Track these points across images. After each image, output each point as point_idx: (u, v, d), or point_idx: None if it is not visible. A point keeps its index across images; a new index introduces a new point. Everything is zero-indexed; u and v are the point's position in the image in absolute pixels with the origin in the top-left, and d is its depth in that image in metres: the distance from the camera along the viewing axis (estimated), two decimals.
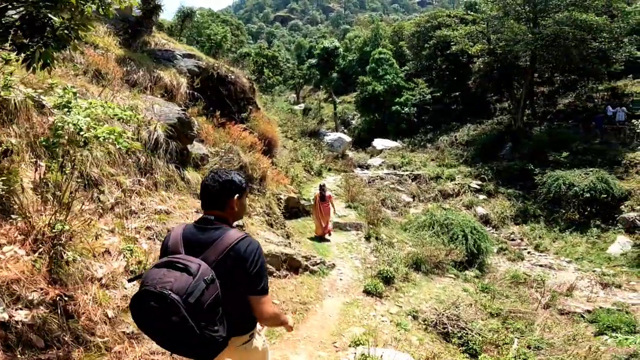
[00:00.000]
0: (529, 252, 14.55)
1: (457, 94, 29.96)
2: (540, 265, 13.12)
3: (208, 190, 1.91)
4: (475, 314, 6.38)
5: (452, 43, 26.27)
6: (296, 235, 9.21)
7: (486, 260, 11.91)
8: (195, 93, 8.72)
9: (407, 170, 21.09)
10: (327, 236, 10.04)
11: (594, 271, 12.19)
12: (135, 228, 3.94)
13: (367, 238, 10.04)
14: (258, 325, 2.08)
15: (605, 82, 24.33)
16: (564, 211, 15.57)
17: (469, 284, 9.22)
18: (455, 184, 19.26)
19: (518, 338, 5.93)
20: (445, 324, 5.82)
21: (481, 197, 18.18)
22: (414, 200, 18.17)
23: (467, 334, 5.67)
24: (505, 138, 22.56)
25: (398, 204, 17.31)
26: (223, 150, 7.66)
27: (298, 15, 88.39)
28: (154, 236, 4.05)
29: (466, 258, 10.97)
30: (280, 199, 9.64)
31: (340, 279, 7.22)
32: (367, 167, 22.71)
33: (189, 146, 6.16)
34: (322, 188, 10.41)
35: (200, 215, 1.96)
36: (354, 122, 32.41)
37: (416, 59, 32.19)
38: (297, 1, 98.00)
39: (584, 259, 13.25)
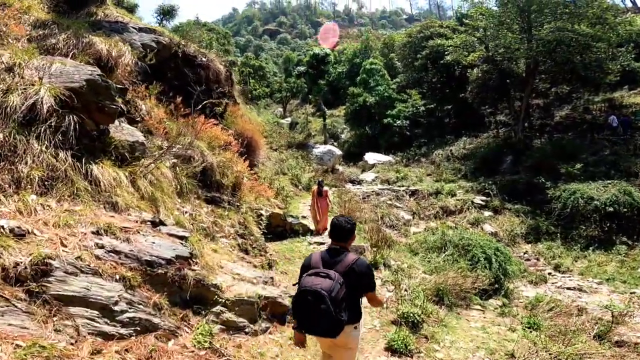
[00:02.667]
0: (549, 274, 12.67)
1: (450, 106, 28.51)
2: (569, 288, 11.28)
3: (341, 229, 3.05)
4: None
5: (446, 53, 24.92)
6: (281, 263, 6.92)
7: (509, 286, 9.82)
8: (149, 72, 6.52)
9: (403, 186, 19.13)
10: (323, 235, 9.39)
11: (632, 293, 10.39)
12: None
13: (374, 265, 7.79)
14: (361, 321, 3.07)
15: (601, 93, 23.33)
16: (584, 227, 13.71)
17: (507, 318, 7.08)
18: (457, 199, 17.33)
19: None
20: None
21: (487, 213, 16.25)
22: (413, 218, 16.08)
23: None
24: (505, 151, 20.93)
25: (397, 222, 15.23)
26: (180, 146, 5.37)
27: (287, 29, 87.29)
28: None
29: (490, 285, 8.90)
30: (261, 215, 7.38)
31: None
32: (360, 182, 20.65)
33: (111, 128, 3.93)
34: (320, 183, 10.52)
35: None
36: (343, 135, 30.52)
37: (407, 70, 30.79)
38: (287, 15, 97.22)
39: (615, 279, 11.46)
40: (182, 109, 7.07)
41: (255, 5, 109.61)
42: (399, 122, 26.16)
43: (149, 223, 3.68)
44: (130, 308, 2.87)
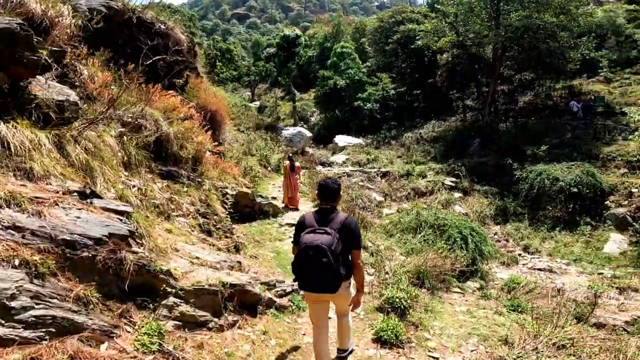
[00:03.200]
0: (519, 255, 12.65)
1: (419, 91, 28.37)
2: (539, 269, 11.28)
3: (330, 189, 3.16)
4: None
5: (417, 38, 24.64)
6: (250, 246, 6.16)
7: (484, 267, 9.61)
8: (99, 38, 5.47)
9: (374, 168, 18.69)
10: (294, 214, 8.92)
11: (600, 274, 10.52)
12: None
13: None
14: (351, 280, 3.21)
15: (562, 81, 23.95)
16: (550, 208, 13.83)
17: (490, 301, 6.79)
18: (428, 181, 17.13)
19: None
20: None
21: (457, 195, 16.15)
22: (385, 200, 15.69)
23: None
24: (473, 134, 20.99)
25: (369, 204, 14.75)
26: (131, 114, 4.45)
27: (256, 13, 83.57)
28: None
29: (467, 267, 8.61)
30: (227, 194, 6.54)
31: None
32: (330, 165, 20.03)
33: (36, 86, 3.04)
34: (291, 159, 10.29)
35: None
36: (313, 119, 29.68)
37: (378, 55, 30.26)
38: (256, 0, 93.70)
39: (582, 260, 11.60)
40: (136, 79, 6.07)
41: None
42: (369, 105, 25.66)
43: (75, 194, 2.81)
44: (37, 304, 2.07)
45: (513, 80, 26.63)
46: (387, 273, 5.73)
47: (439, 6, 23.58)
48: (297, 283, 3.03)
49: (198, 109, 7.54)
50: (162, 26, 7.50)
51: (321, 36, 36.40)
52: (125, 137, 4.55)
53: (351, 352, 3.63)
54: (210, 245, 4.30)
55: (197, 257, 3.55)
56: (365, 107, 25.54)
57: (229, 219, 6.03)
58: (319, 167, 18.77)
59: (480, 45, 21.51)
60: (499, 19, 20.16)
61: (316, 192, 3.29)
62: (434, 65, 26.42)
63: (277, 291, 4.52)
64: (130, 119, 4.73)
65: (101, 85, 4.91)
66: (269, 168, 14.56)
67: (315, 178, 14.84)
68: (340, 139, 22.95)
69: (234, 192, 6.94)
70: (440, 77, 24.13)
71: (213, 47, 29.14)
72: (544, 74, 23.55)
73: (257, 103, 35.23)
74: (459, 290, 7.33)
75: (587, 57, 21.36)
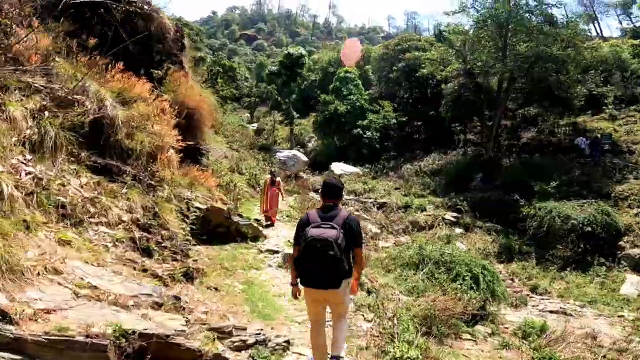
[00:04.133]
0: (528, 295, 11.32)
1: (420, 123, 27.64)
2: (551, 312, 9.86)
3: (334, 187, 3.24)
4: None
5: (422, 65, 24.18)
6: (215, 274, 4.83)
7: (493, 309, 8.28)
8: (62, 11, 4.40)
9: (370, 198, 17.44)
10: (267, 230, 8.67)
11: (620, 316, 9.47)
12: None
13: None
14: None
15: (566, 117, 23.29)
16: (560, 247, 12.65)
17: (512, 351, 5.46)
18: (427, 215, 15.92)
19: None
20: None
21: (458, 230, 14.93)
22: (382, 232, 14.34)
23: None
24: (475, 169, 19.95)
25: (364, 235, 13.35)
26: (59, 85, 3.23)
27: (264, 36, 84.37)
28: None
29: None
30: (192, 206, 5.21)
31: None
32: None
33: None
34: (272, 173, 10.56)
35: None
36: (310, 144, 28.71)
37: (381, 83, 29.78)
38: (266, 22, 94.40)
39: (597, 301, 10.51)
40: (96, 59, 4.93)
41: (235, 11, 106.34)
42: (369, 133, 24.75)
43: None
44: None
45: (516, 116, 26.03)
46: (389, 319, 4.35)
47: (447, 35, 23.29)
48: (298, 280, 3.05)
49: (175, 105, 6.35)
50: (145, 7, 6.43)
51: (325, 61, 36.11)
52: (46, 111, 3.31)
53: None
54: (139, 269, 2.98)
55: (95, 286, 2.25)
56: (365, 135, 24.63)
57: (190, 238, 4.69)
58: (312, 194, 17.48)
59: (488, 74, 20.88)
60: (505, 50, 19.72)
61: (320, 191, 3.41)
62: (437, 97, 25.79)
63: (234, 342, 3.19)
64: (63, 94, 3.49)
65: (36, 52, 3.70)
66: (257, 189, 13.29)
67: (308, 203, 13.60)
68: (337, 167, 21.85)
69: (205, 207, 5.63)
70: (444, 106, 23.35)
71: (216, 64, 28.48)
72: (549, 108, 22.78)
73: (255, 125, 34.42)
74: (469, 337, 6.16)
75: (594, 93, 20.86)
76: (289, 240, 8.22)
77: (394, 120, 26.04)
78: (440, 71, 23.21)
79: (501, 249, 13.72)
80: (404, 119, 26.54)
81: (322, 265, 2.82)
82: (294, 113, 27.95)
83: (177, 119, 5.93)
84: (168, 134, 4.96)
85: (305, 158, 21.57)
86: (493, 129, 20.78)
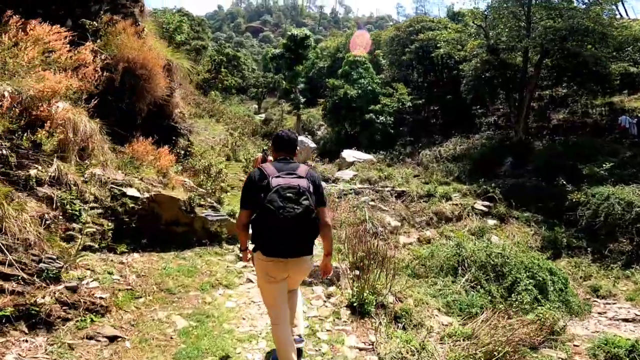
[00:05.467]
0: (590, 300, 9.02)
1: (437, 107, 25.24)
2: (625, 320, 7.66)
3: (288, 139, 2.70)
4: None
5: (437, 46, 21.84)
6: (135, 305, 2.80)
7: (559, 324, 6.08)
8: None
9: (387, 186, 15.21)
10: None
11: None
12: None
13: (353, 308, 3.71)
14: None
15: (600, 97, 20.65)
16: (624, 240, 10.28)
17: None
18: (454, 204, 13.66)
19: None
20: None
21: (491, 222, 12.66)
22: (402, 225, 12.15)
23: None
24: (504, 153, 17.53)
25: (382, 229, 11.24)
26: None
27: (271, 27, 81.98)
28: None
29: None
30: (120, 194, 3.15)
31: None
32: (335, 181, 16.60)
33: None
34: (264, 152, 9.63)
35: None
36: (319, 132, 26.57)
37: (393, 67, 27.43)
38: (272, 14, 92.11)
39: None
40: None
41: (241, 4, 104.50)
42: (382, 118, 22.51)
43: None
44: None
45: (543, 97, 23.50)
46: None
47: (464, 12, 20.97)
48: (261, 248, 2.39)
49: (113, 61, 4.29)
50: None
51: (333, 47, 33.78)
52: None
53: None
54: None
55: None
56: (378, 121, 22.39)
57: (113, 244, 2.66)
58: (323, 184, 15.40)
59: (514, 49, 18.41)
60: (529, 26, 17.29)
61: (272, 144, 2.78)
62: (454, 80, 23.59)
63: None
64: None
65: None
66: None
67: None
68: (349, 154, 19.65)
69: (146, 196, 3.60)
70: (465, 86, 20.90)
71: (219, 53, 26.55)
72: (581, 87, 20.32)
73: (263, 115, 32.53)
74: None
75: (631, 72, 18.27)
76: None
77: (409, 104, 23.67)
78: (457, 51, 21.17)
79: (545, 243, 11.47)
80: (420, 102, 24.14)
81: (295, 223, 2.23)
82: (300, 98, 25.78)
83: (107, 74, 3.94)
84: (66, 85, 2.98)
85: (313, 144, 19.43)
86: (523, 109, 18.31)
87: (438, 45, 22.05)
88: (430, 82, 26.17)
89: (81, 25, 4.77)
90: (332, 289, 4.43)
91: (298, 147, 2.70)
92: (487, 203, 13.31)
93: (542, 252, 11.28)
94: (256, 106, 35.85)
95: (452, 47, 21.28)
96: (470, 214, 12.81)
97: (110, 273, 3.40)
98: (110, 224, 3.29)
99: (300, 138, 19.25)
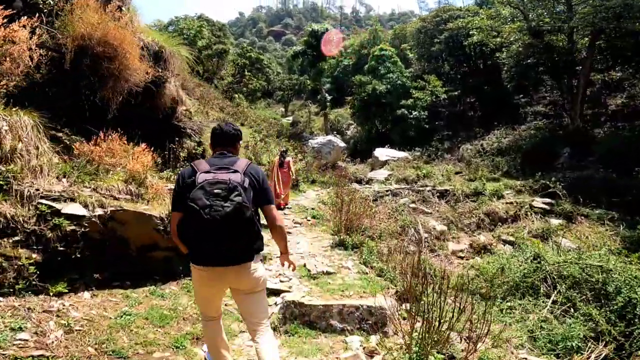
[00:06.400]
0: None
1: (473, 99, 23.22)
2: None
3: (226, 134, 2.34)
4: None
5: (469, 34, 20.02)
6: None
7: None
8: None
9: (427, 186, 13.65)
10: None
11: None
12: None
13: None
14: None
15: None
16: None
17: None
18: (507, 203, 11.91)
19: None
20: None
21: (555, 221, 10.81)
22: (449, 229, 10.56)
23: None
24: (557, 143, 15.44)
25: (427, 235, 9.76)
26: None
27: (292, 30, 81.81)
28: None
29: None
30: (53, 212, 2.02)
31: None
32: (369, 182, 15.21)
33: None
34: (282, 153, 9.21)
35: None
36: (349, 132, 25.22)
37: (421, 60, 25.66)
38: (292, 17, 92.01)
39: None
40: None
41: (262, 10, 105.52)
42: (415, 113, 20.85)
43: None
44: None
45: (594, 82, 20.99)
46: None
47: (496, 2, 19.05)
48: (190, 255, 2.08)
49: (75, 42, 3.21)
50: None
51: (357, 43, 32.35)
52: None
53: None
54: None
55: None
56: (411, 116, 20.75)
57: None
58: (355, 185, 14.00)
59: (561, 30, 16.32)
60: (570, 6, 15.25)
61: (210, 140, 2.38)
62: (490, 69, 21.60)
63: None
64: None
65: None
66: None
67: (346, 196, 10.23)
68: (381, 152, 18.19)
69: (96, 214, 2.44)
70: (507, 73, 18.95)
71: (241, 57, 25.91)
72: (638, 71, 17.80)
73: (290, 118, 31.66)
74: None
75: None
76: (308, 255, 4.93)
77: (443, 96, 21.83)
78: (492, 37, 19.38)
79: (627, 244, 9.47)
80: (456, 93, 22.23)
81: (225, 223, 1.85)
82: (327, 95, 24.53)
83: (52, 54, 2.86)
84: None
85: (342, 144, 18.13)
86: (578, 94, 16.15)
87: (470, 33, 20.34)
88: (464, 73, 24.31)
89: (33, 5, 3.78)
90: (374, 338, 3.09)
91: (241, 142, 2.41)
92: (547, 200, 11.46)
93: (625, 255, 9.43)
94: (283, 109, 35.07)
95: (486, 35, 19.55)
96: (529, 214, 11.02)
97: (17, 329, 2.29)
98: (34, 255, 2.22)
99: (328, 138, 18.03)
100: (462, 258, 9.50)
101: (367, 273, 4.90)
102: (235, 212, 1.87)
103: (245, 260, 2.02)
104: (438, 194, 12.79)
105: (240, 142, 2.40)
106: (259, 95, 28.23)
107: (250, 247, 2.02)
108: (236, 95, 23.21)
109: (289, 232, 6.77)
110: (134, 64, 4.07)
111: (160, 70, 4.86)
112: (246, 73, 26.07)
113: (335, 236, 6.32)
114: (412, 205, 11.40)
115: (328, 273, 4.66)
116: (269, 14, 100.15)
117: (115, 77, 3.89)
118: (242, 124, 17.41)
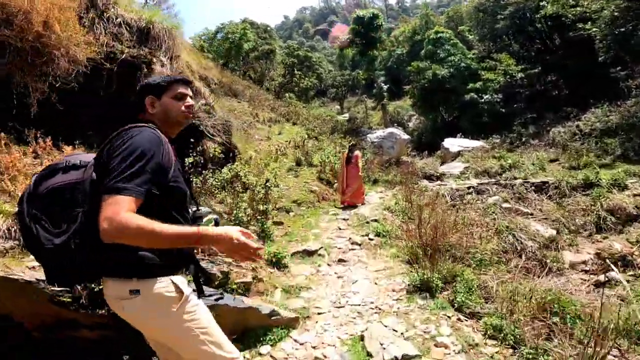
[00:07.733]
0: None
1: (555, 77, 19.52)
2: None
3: None
4: None
5: (541, 5, 17.11)
6: None
7: None
8: None
9: (516, 178, 11.07)
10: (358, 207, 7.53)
11: None
12: None
13: None
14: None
15: None
16: None
17: None
18: (634, 194, 8.92)
19: None
20: None
21: None
22: (560, 234, 8.03)
23: None
24: None
25: (531, 243, 7.41)
26: None
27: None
28: None
29: None
30: None
31: None
32: (440, 177, 12.88)
33: None
34: (350, 148, 8.41)
35: None
36: (411, 123, 22.82)
37: (485, 40, 22.38)
38: (337, 14, 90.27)
39: None
40: None
41: (305, 11, 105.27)
42: (487, 96, 17.98)
43: None
44: None
45: None
46: None
47: None
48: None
49: None
50: None
51: (409, 30, 29.61)
52: None
53: None
54: None
55: None
56: (482, 100, 17.88)
57: None
58: (425, 182, 11.80)
59: None
60: None
61: None
62: (572, 41, 17.90)
63: None
64: None
65: None
66: (335, 185, 8.50)
67: (418, 198, 8.19)
68: (452, 143, 15.73)
69: None
70: (601, 43, 15.40)
71: (289, 56, 24.82)
72: None
73: (347, 115, 30.02)
74: None
75: None
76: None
77: (520, 75, 18.56)
78: (569, 7, 16.57)
79: None
80: (535, 71, 18.80)
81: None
82: (383, 85, 22.37)
83: None
84: None
85: (405, 136, 15.97)
86: None
87: (541, 5, 17.39)
88: (538, 50, 20.70)
89: None
90: None
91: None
92: None
93: None
94: (338, 107, 33.52)
95: (562, 5, 16.72)
96: None
97: None
98: None
99: (390, 130, 16.00)
100: (586, 272, 7.02)
101: (477, 345, 2.94)
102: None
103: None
104: (534, 188, 10.17)
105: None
106: (311, 94, 26.97)
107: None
108: (287, 95, 22.06)
109: (344, 261, 4.90)
110: (56, 27, 2.69)
111: (146, 50, 3.48)
112: (296, 72, 24.91)
113: (412, 268, 4.38)
114: (505, 204, 8.99)
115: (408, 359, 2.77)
116: (313, 14, 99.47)
117: (29, 51, 2.53)
118: (295, 124, 16.08)
